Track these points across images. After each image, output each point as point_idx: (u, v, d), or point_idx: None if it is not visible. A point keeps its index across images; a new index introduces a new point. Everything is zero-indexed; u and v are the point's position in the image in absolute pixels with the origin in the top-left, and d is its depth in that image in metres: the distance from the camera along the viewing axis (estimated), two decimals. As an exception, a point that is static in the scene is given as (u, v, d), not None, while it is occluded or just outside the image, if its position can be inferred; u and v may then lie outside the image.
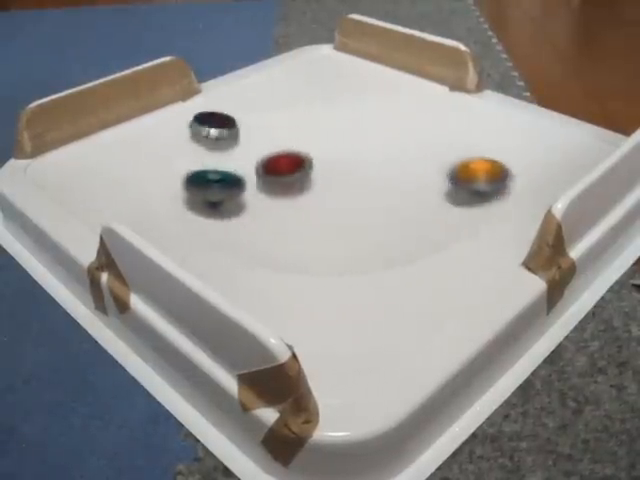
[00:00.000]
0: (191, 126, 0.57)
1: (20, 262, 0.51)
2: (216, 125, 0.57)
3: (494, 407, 0.38)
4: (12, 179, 0.53)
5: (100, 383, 0.41)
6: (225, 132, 0.56)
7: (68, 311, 0.46)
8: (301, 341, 0.32)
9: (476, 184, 0.49)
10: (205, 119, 0.57)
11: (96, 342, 0.43)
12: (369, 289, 0.42)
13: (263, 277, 0.43)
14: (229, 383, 0.34)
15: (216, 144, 0.56)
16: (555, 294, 0.41)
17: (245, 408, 0.33)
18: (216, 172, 0.50)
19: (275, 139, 0.55)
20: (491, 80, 0.74)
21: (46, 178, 0.53)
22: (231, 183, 0.50)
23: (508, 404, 0.38)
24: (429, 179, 0.52)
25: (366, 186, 0.52)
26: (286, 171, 0.52)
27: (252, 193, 0.52)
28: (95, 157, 0.55)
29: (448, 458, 0.35)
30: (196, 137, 0.57)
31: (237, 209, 0.50)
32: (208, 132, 0.56)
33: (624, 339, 0.42)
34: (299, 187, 0.52)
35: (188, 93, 0.64)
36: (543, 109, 0.60)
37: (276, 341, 0.31)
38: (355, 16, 0.71)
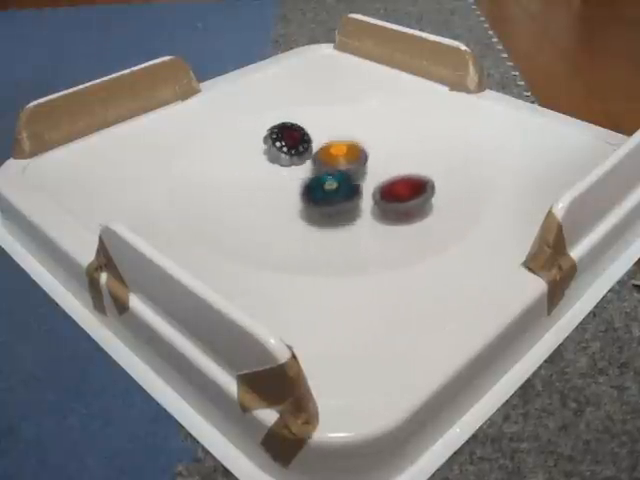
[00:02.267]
0: (265, 142, 0.55)
1: (19, 262, 0.50)
2: (290, 144, 0.55)
3: (494, 408, 0.38)
4: (11, 179, 0.53)
5: (99, 383, 0.41)
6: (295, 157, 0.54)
7: (67, 311, 0.46)
8: (301, 341, 0.32)
9: (338, 167, 0.51)
10: (281, 135, 0.55)
11: (95, 342, 0.43)
12: (369, 289, 0.42)
13: (263, 277, 0.43)
14: (229, 384, 0.34)
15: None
16: (556, 294, 0.41)
17: (245, 409, 0.33)
18: (332, 179, 0.48)
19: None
20: (491, 80, 0.74)
21: (45, 178, 0.53)
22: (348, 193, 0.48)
23: (509, 405, 0.38)
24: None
25: (365, 185, 0.52)
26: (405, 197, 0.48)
27: (252, 193, 0.52)
28: (94, 157, 0.55)
29: (448, 459, 0.35)
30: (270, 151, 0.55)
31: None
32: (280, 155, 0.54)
33: (625, 340, 0.42)
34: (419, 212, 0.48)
35: (187, 93, 0.64)
36: (544, 109, 0.60)
37: (276, 341, 0.31)
38: (355, 16, 0.71)
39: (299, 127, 0.56)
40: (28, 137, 0.55)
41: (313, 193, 0.48)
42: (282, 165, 0.54)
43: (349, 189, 0.48)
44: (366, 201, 0.50)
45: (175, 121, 0.60)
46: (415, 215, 0.48)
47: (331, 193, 0.48)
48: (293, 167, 0.55)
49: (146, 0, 1.03)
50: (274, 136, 0.55)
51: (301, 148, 0.55)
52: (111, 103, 0.59)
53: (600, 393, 0.39)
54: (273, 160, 0.55)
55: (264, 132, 0.56)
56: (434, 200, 0.49)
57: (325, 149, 0.54)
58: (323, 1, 1.00)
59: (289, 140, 0.55)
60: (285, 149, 0.54)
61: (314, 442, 0.32)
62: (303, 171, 0.54)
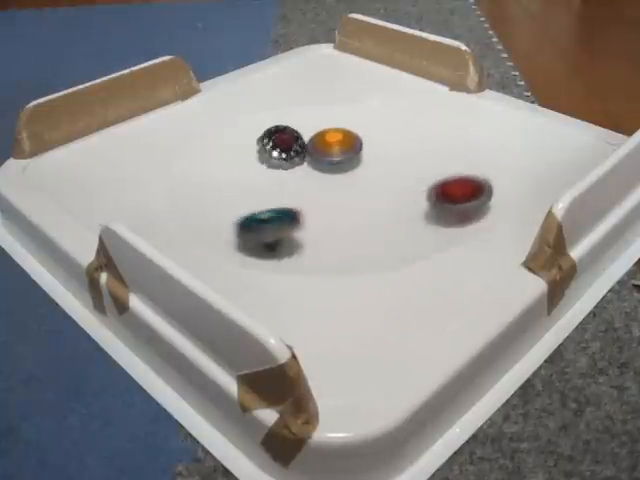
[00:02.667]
0: (258, 143, 0.55)
1: (19, 262, 0.50)
2: (283, 147, 0.54)
3: (495, 408, 0.38)
4: (11, 179, 0.53)
5: (99, 383, 0.41)
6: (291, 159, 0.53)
7: (67, 311, 0.46)
8: (301, 341, 0.32)
9: (330, 156, 0.52)
10: (273, 137, 0.54)
11: (95, 342, 0.43)
12: (369, 289, 0.42)
13: (263, 277, 0.43)
14: (229, 384, 0.34)
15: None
16: (556, 294, 0.41)
17: (245, 409, 0.33)
18: (267, 212, 0.46)
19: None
20: (491, 80, 0.74)
21: (45, 178, 0.53)
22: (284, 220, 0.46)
23: (509, 405, 0.38)
24: (429, 179, 0.52)
25: (366, 185, 0.52)
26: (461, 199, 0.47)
27: (252, 193, 0.52)
28: (94, 157, 0.55)
29: (448, 459, 0.35)
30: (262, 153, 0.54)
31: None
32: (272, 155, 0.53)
33: (625, 340, 0.42)
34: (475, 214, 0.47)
35: (187, 92, 0.64)
36: (544, 109, 0.60)
37: (276, 342, 0.31)
38: (355, 16, 0.71)
39: (292, 130, 0.55)
40: (28, 137, 0.55)
41: (247, 224, 0.46)
42: (276, 168, 0.54)
43: (286, 217, 0.46)
44: (365, 201, 0.50)
45: (175, 121, 0.60)
46: (472, 218, 0.47)
47: (265, 221, 0.45)
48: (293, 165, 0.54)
49: (146, 0, 1.03)
50: (266, 140, 0.54)
51: (293, 153, 0.54)
52: (111, 103, 0.59)
53: (600, 393, 0.39)
54: (265, 163, 0.54)
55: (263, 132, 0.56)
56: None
57: (320, 136, 0.54)
58: (323, 1, 1.00)
59: (282, 144, 0.54)
60: (277, 153, 0.54)
61: (314, 442, 0.32)
62: (303, 170, 0.54)
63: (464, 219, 0.47)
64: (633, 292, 0.45)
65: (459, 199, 0.46)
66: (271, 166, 0.52)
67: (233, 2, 1.01)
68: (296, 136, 0.55)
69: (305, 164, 0.54)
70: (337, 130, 0.55)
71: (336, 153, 0.53)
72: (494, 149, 0.54)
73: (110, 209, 0.49)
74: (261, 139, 0.54)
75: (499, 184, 0.50)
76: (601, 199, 0.43)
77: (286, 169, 0.53)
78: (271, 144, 0.53)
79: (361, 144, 0.54)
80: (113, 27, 0.95)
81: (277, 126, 0.55)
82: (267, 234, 0.45)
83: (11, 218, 0.52)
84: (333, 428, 0.32)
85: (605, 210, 0.44)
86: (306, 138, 0.56)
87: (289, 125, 0.56)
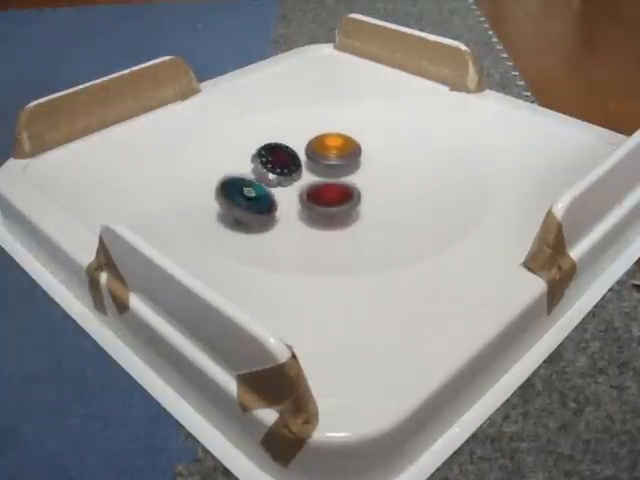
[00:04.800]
0: (253, 161, 0.53)
1: (19, 262, 0.51)
2: (279, 167, 0.52)
3: (494, 407, 0.38)
4: (11, 179, 0.53)
5: (100, 383, 0.41)
6: (284, 178, 0.52)
7: (67, 311, 0.46)
8: (301, 341, 0.32)
9: (329, 159, 0.53)
10: (269, 157, 0.53)
11: (95, 342, 0.43)
12: (369, 289, 0.42)
13: (263, 277, 0.43)
14: (228, 383, 0.34)
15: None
16: (555, 294, 0.41)
17: (244, 408, 0.33)
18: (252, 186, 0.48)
19: (274, 139, 0.55)
20: (492, 80, 0.74)
21: (45, 178, 0.53)
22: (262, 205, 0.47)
23: (508, 404, 0.38)
24: (429, 178, 0.52)
25: (366, 186, 0.52)
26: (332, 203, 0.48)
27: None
28: (94, 157, 0.55)
29: (448, 459, 0.35)
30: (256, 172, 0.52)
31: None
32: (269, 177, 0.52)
33: (625, 339, 0.42)
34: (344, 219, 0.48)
35: (187, 93, 0.64)
36: (544, 109, 0.60)
37: (275, 341, 0.31)
38: (356, 16, 0.71)
39: (285, 147, 0.54)
40: (28, 137, 0.55)
41: (229, 190, 0.47)
42: (271, 186, 0.51)
43: (263, 203, 0.48)
44: (365, 202, 0.50)
45: (175, 121, 0.60)
46: (340, 222, 0.48)
47: (247, 200, 0.47)
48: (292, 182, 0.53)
49: (146, 0, 1.03)
50: (263, 159, 0.52)
51: (290, 169, 0.53)
52: (111, 103, 0.59)
53: (600, 393, 0.39)
54: (261, 181, 0.51)
55: (264, 132, 0.56)
56: (433, 200, 0.49)
57: (320, 139, 0.54)
58: (323, 1, 1.00)
59: (278, 163, 0.52)
60: (275, 174, 0.52)
61: (314, 442, 0.32)
62: (304, 173, 0.54)
63: (332, 222, 0.48)
64: (633, 292, 0.45)
65: (328, 203, 0.48)
66: (269, 185, 0.51)
67: (233, 2, 1.01)
68: (290, 153, 0.54)
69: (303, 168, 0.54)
70: (338, 135, 0.55)
71: (334, 157, 0.53)
72: (494, 149, 0.54)
73: (110, 209, 0.49)
74: (256, 157, 0.53)
75: (499, 184, 0.50)
76: (601, 199, 0.43)
77: (285, 187, 0.52)
78: (267, 165, 0.52)
79: (360, 150, 0.54)
80: (113, 27, 0.95)
81: (269, 144, 0.54)
82: (238, 213, 0.47)
83: (11, 218, 0.52)
84: (333, 428, 0.32)
85: (605, 210, 0.45)
86: (305, 137, 0.56)
87: (288, 125, 0.56)
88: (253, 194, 0.48)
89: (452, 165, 0.51)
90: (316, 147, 0.54)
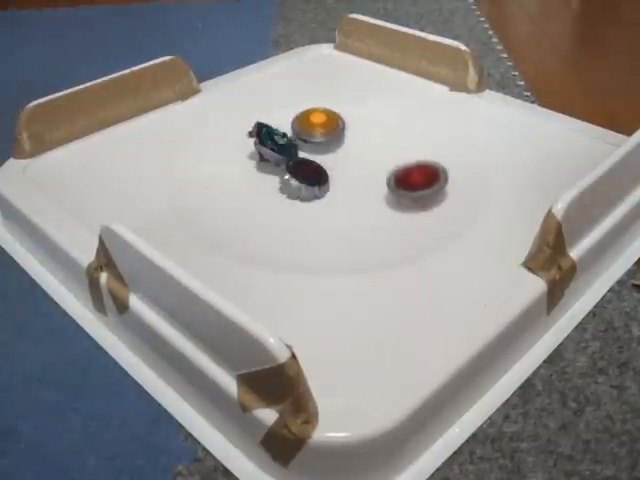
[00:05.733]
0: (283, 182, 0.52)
1: (19, 262, 0.51)
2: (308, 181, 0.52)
3: (494, 407, 0.38)
4: (11, 179, 0.53)
5: (100, 383, 0.41)
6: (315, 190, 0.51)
7: (67, 311, 0.46)
8: (301, 341, 0.32)
9: (314, 137, 0.56)
10: (298, 171, 0.52)
11: (95, 342, 0.43)
12: (369, 289, 0.42)
13: (263, 277, 0.43)
14: (228, 383, 0.34)
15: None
16: (555, 294, 0.41)
17: (244, 408, 0.33)
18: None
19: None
20: (491, 80, 0.74)
21: (45, 178, 0.53)
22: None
23: (508, 404, 0.38)
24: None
25: (366, 186, 0.52)
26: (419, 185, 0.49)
27: (252, 194, 0.52)
28: (94, 157, 0.55)
29: (448, 459, 0.35)
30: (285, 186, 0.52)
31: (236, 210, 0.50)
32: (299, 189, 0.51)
33: (625, 339, 0.42)
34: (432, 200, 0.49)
35: (187, 93, 0.64)
36: (543, 109, 0.60)
37: (275, 341, 0.31)
38: (355, 16, 0.71)
39: (311, 161, 0.54)
40: (28, 137, 0.55)
41: (263, 135, 0.54)
42: (303, 200, 0.51)
43: (289, 150, 0.54)
44: (365, 202, 0.50)
45: (175, 121, 0.60)
46: (429, 204, 0.49)
47: (275, 143, 0.54)
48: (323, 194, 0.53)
49: (146, 0, 1.03)
50: (289, 175, 0.52)
51: (316, 181, 0.52)
52: (111, 103, 0.59)
53: (600, 393, 0.39)
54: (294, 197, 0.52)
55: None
56: (433, 200, 0.49)
57: (304, 115, 0.57)
58: (323, 1, 1.00)
59: (306, 176, 0.52)
60: (305, 187, 0.51)
61: (314, 442, 0.32)
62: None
63: (422, 205, 0.49)
64: (633, 292, 0.45)
65: (417, 186, 0.49)
66: (304, 200, 0.51)
67: (233, 2, 1.01)
68: (317, 166, 0.53)
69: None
70: (321, 111, 0.58)
71: (319, 134, 0.56)
72: (494, 149, 0.54)
73: (110, 209, 0.49)
74: (285, 173, 0.52)
75: (499, 184, 0.50)
76: (601, 199, 0.43)
77: (320, 198, 0.51)
78: (296, 179, 0.51)
79: (344, 124, 0.57)
80: (113, 27, 0.95)
81: (298, 160, 0.54)
82: (269, 155, 0.53)
83: (11, 218, 0.52)
84: (333, 428, 0.32)
85: (605, 210, 0.45)
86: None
87: (287, 125, 0.56)
88: (283, 142, 0.54)
89: (451, 165, 0.51)
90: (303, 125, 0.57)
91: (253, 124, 0.54)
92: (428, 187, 0.49)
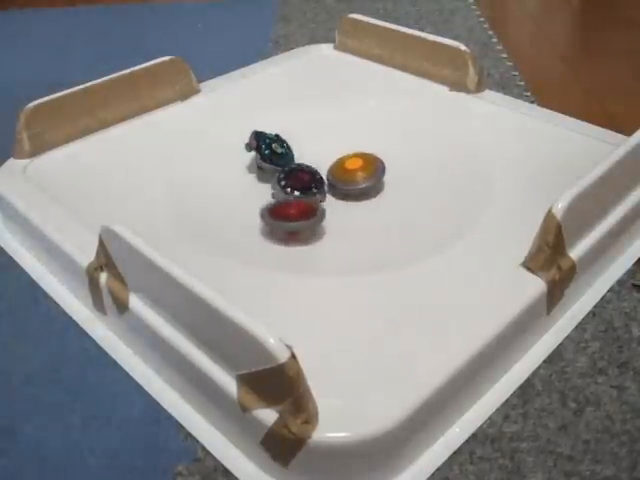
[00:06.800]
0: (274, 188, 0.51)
1: (19, 262, 0.51)
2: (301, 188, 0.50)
3: (494, 407, 0.38)
4: (11, 179, 0.53)
5: (100, 383, 0.41)
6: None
7: (67, 311, 0.46)
8: (301, 341, 0.32)
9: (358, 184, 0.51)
10: (291, 179, 0.51)
11: (95, 342, 0.43)
12: (369, 289, 0.42)
13: (263, 277, 0.43)
14: (228, 383, 0.34)
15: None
16: (555, 294, 0.41)
17: (244, 408, 0.33)
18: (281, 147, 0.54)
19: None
20: (491, 80, 0.74)
21: (45, 178, 0.53)
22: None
23: (508, 404, 0.38)
24: (429, 179, 0.52)
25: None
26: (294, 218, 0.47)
27: (252, 194, 0.52)
28: (94, 157, 0.55)
29: (448, 459, 0.35)
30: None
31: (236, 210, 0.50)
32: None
33: (625, 339, 0.42)
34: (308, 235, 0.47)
35: (187, 93, 0.64)
36: (543, 109, 0.60)
37: (275, 341, 0.31)
38: (355, 16, 0.71)
39: (308, 167, 0.52)
40: (28, 137, 0.55)
41: (261, 142, 0.53)
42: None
43: (286, 158, 0.53)
44: (365, 202, 0.50)
45: (175, 121, 0.60)
46: (303, 238, 0.47)
47: (275, 154, 0.53)
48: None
49: (146, 0, 1.03)
50: (282, 182, 0.50)
51: (313, 190, 0.50)
52: (111, 103, 0.59)
53: (600, 393, 0.39)
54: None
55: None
56: (433, 200, 0.49)
57: (339, 164, 0.52)
58: (323, 1, 1.00)
59: (299, 183, 0.50)
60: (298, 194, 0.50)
61: (314, 442, 0.32)
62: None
63: (293, 237, 0.47)
64: (633, 292, 0.45)
65: (290, 218, 0.46)
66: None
67: (233, 2, 1.01)
68: (313, 172, 0.52)
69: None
70: (356, 156, 0.53)
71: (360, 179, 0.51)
72: (494, 149, 0.54)
73: (110, 209, 0.49)
74: (277, 181, 0.51)
75: (499, 184, 0.50)
76: (601, 199, 0.43)
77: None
78: (289, 186, 0.50)
79: (384, 168, 0.52)
80: (113, 27, 0.95)
81: (291, 167, 0.52)
82: (271, 170, 0.53)
83: (11, 218, 0.52)
84: (333, 428, 0.32)
85: (605, 210, 0.45)
86: (305, 138, 0.56)
87: (288, 125, 0.56)
88: (280, 151, 0.53)
89: (451, 165, 0.51)
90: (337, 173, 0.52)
91: (250, 135, 0.53)
92: (304, 219, 0.46)
